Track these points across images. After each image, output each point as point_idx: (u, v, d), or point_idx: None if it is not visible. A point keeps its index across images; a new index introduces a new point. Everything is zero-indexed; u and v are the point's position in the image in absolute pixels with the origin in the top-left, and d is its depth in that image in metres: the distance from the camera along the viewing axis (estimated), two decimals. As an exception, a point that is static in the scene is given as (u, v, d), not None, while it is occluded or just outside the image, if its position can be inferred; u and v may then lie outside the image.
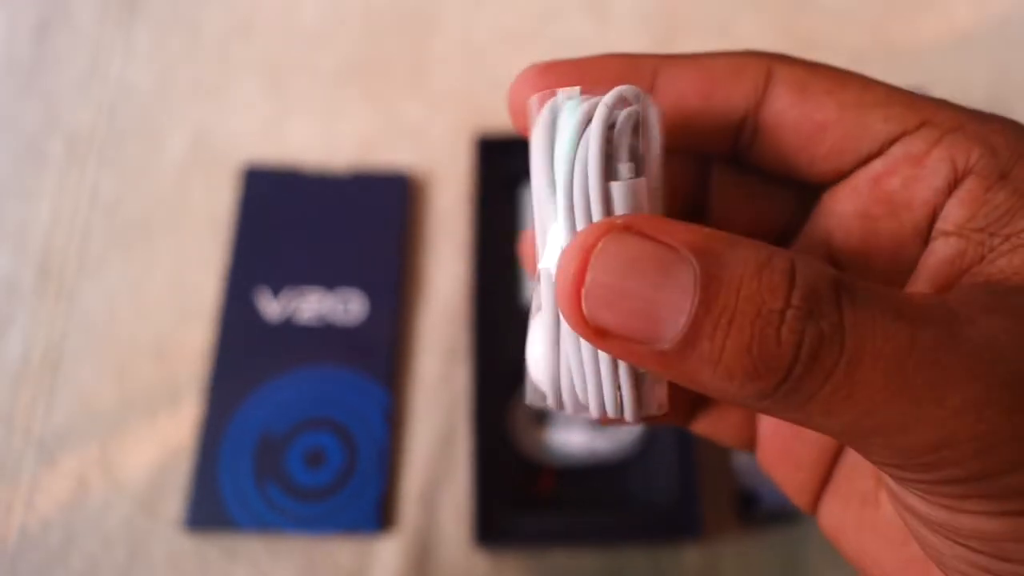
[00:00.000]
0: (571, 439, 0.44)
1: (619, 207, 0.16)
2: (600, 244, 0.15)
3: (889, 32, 0.56)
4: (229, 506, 0.43)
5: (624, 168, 0.17)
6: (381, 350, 0.47)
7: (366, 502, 0.44)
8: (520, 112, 0.19)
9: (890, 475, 0.17)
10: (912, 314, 0.15)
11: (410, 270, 0.50)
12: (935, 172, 0.17)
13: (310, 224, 0.50)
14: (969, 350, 0.15)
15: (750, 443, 0.22)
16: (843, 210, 0.19)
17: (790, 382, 0.14)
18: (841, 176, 0.19)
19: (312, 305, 0.48)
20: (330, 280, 0.48)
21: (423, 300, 0.49)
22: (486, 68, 0.56)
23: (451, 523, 0.44)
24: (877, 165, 0.18)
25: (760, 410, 0.15)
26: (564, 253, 0.15)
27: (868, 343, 0.14)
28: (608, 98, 0.17)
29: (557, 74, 0.19)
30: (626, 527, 0.43)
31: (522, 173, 0.48)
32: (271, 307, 0.48)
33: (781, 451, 0.21)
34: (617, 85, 0.17)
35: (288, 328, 0.47)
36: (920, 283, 0.18)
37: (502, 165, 0.49)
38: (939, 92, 0.53)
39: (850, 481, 0.20)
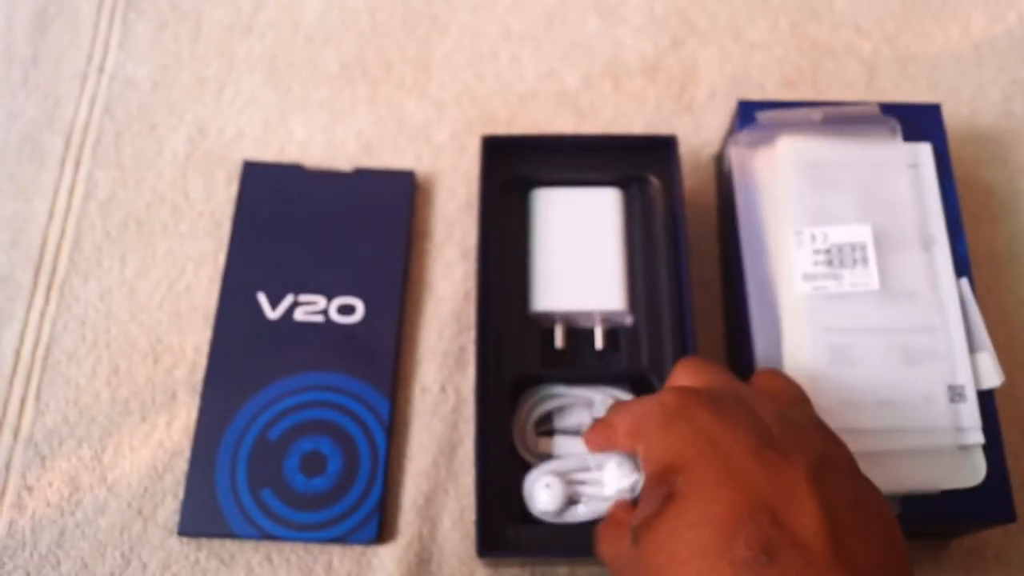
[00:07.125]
0: (576, 450, 0.43)
1: None
2: None
3: (904, 41, 0.55)
4: (225, 512, 0.42)
5: None
6: (382, 355, 0.46)
7: (365, 510, 0.43)
8: None
9: None
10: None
11: (413, 273, 0.49)
12: None
13: (311, 222, 0.49)
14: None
15: None
16: None
17: None
18: None
19: (312, 307, 0.47)
20: (331, 281, 0.47)
21: (425, 304, 0.48)
22: (492, 68, 0.55)
23: (452, 534, 0.43)
24: None
25: None
26: None
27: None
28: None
29: None
30: (630, 540, 0.42)
31: (528, 175, 0.47)
32: (270, 308, 0.47)
33: None
34: None
35: (288, 330, 0.46)
36: None
37: (509, 167, 0.48)
38: (953, 102, 0.52)
39: None
